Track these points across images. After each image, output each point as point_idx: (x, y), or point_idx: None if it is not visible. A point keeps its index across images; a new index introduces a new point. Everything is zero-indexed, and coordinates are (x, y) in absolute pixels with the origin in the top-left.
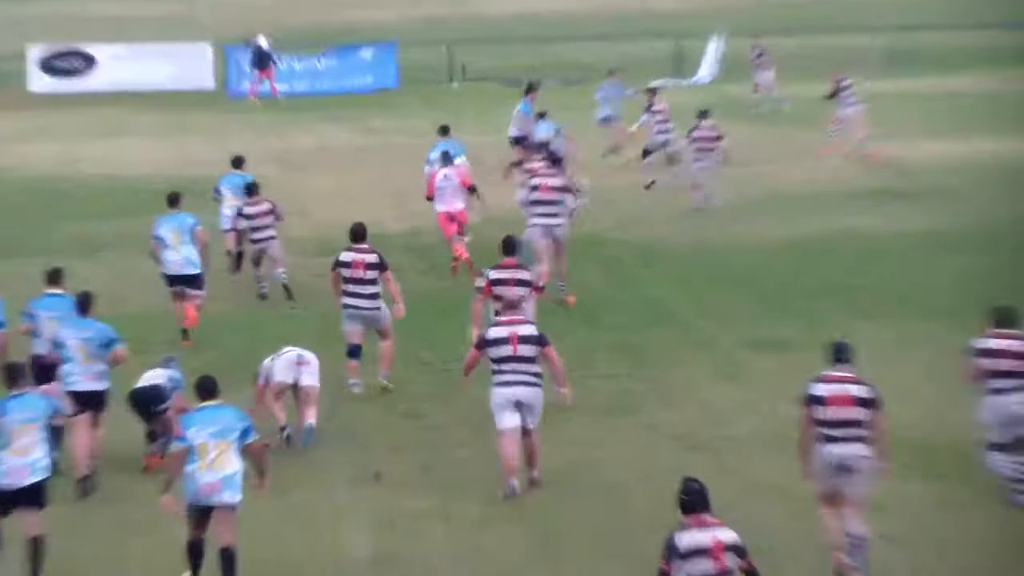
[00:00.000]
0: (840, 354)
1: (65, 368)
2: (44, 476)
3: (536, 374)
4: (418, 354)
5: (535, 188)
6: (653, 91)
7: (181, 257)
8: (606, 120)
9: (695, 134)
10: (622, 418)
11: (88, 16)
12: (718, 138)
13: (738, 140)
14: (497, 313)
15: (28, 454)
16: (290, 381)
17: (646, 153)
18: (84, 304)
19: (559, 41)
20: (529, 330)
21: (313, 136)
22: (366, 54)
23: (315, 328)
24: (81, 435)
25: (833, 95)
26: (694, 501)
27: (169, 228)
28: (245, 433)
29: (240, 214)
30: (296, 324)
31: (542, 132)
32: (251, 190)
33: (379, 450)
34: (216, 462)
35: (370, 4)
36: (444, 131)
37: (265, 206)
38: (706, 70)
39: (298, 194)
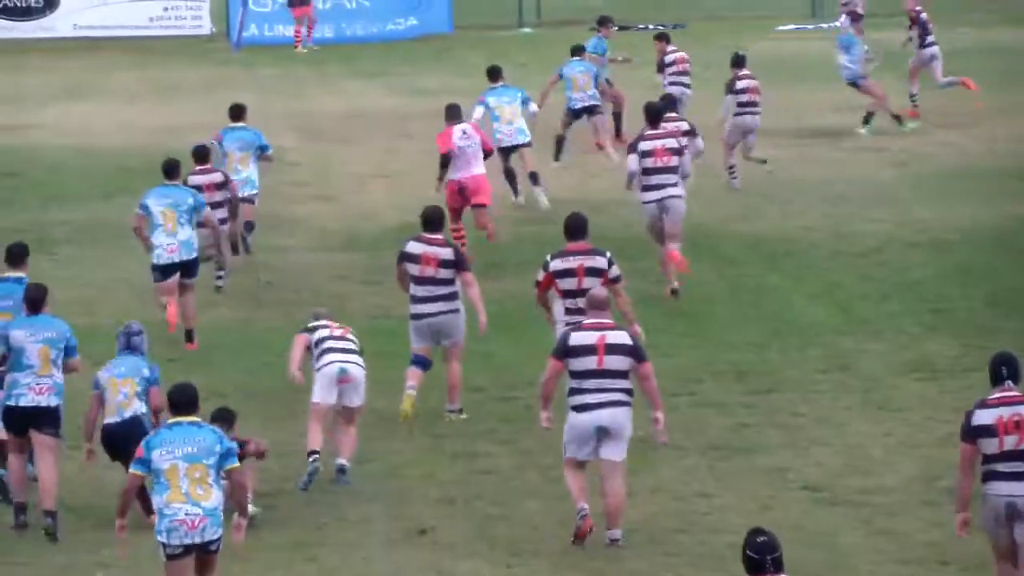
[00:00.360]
0: (1006, 371)
1: (13, 377)
2: None
3: (626, 391)
4: (470, 379)
5: (646, 154)
6: (664, 38)
7: (177, 241)
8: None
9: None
10: (738, 460)
11: None
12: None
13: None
14: (568, 313)
15: None
16: (331, 402)
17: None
18: (37, 299)
19: None
20: (620, 337)
21: (342, 97)
22: None
23: None
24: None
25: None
26: (762, 561)
27: (162, 204)
28: (225, 458)
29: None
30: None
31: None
32: (202, 156)
33: (426, 501)
34: (193, 491)
35: None
36: (494, 75)
37: (217, 176)
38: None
39: (322, 172)
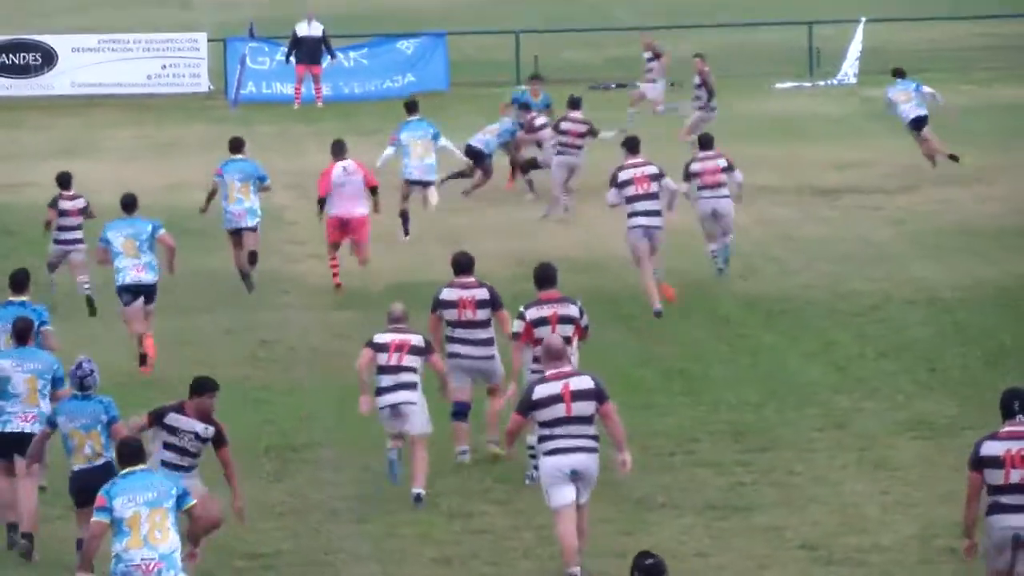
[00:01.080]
0: (1018, 405)
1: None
2: None
3: (594, 437)
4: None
5: (627, 183)
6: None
7: (142, 263)
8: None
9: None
10: (735, 519)
11: None
12: (587, 133)
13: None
14: (536, 361)
15: None
16: (394, 431)
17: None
18: (23, 331)
19: (660, 29)
20: (584, 383)
21: None
22: (406, 47)
23: (332, 406)
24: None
25: None
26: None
27: (122, 234)
28: (181, 499)
29: (54, 203)
30: (311, 399)
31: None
32: (66, 182)
33: (422, 561)
34: (151, 536)
35: None
36: (411, 108)
37: (80, 203)
38: (850, 67)
39: (320, 231)
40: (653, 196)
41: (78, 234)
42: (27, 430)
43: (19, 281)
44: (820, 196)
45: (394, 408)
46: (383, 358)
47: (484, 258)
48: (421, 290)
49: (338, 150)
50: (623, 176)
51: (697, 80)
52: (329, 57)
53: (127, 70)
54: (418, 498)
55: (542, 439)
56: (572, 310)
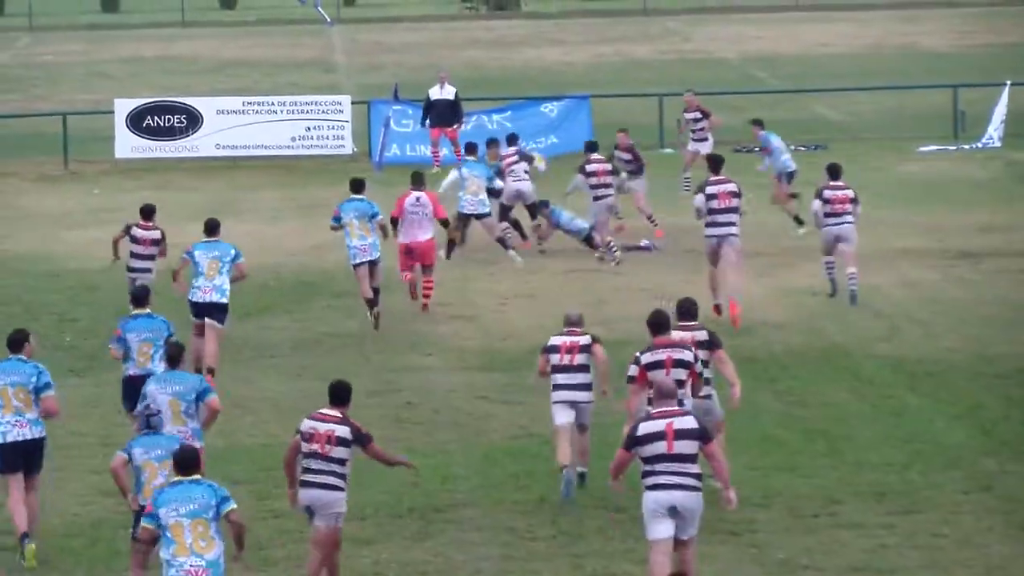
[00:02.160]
0: None
1: None
2: None
3: (695, 475)
4: (610, 497)
5: (712, 196)
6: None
7: (212, 285)
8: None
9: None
10: None
11: (195, 58)
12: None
13: None
14: (649, 403)
15: None
16: (569, 422)
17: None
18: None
19: (805, 93)
20: (687, 423)
21: None
22: (550, 109)
23: (475, 467)
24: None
25: None
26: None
27: (207, 255)
28: (222, 504)
29: (126, 230)
30: (454, 460)
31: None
32: (148, 213)
33: None
34: (196, 545)
35: (553, 42)
36: (471, 150)
37: (155, 234)
38: (995, 129)
39: (462, 292)
40: (732, 210)
41: (147, 264)
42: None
43: (140, 297)
44: (964, 259)
45: (573, 404)
46: (556, 358)
47: (632, 320)
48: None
49: (416, 181)
50: (710, 190)
51: (697, 115)
52: (457, 123)
53: (271, 132)
54: (582, 477)
55: (644, 474)
56: (687, 355)
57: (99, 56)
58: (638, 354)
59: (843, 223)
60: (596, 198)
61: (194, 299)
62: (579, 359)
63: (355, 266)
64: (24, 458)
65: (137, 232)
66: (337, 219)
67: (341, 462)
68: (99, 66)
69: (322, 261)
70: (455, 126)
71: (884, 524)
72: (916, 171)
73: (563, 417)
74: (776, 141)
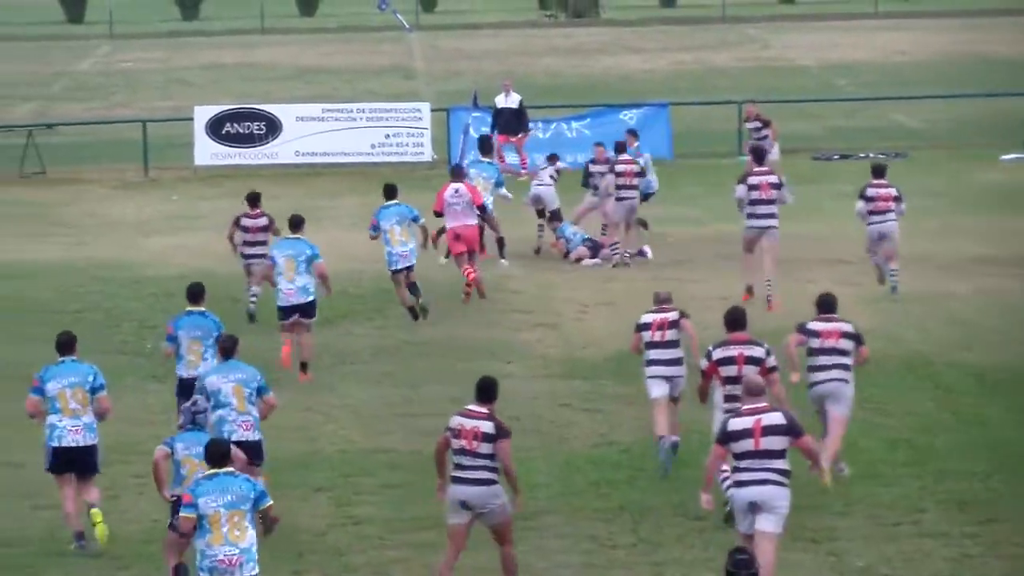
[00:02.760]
0: None
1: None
2: None
3: (780, 471)
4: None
5: (755, 187)
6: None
7: (295, 287)
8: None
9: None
10: None
11: (275, 65)
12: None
13: None
14: (727, 400)
15: None
16: (665, 394)
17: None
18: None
19: (884, 101)
20: (775, 419)
21: None
22: (629, 117)
23: (557, 474)
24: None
25: None
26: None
27: (283, 254)
28: (259, 500)
29: (236, 222)
30: (537, 468)
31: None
32: (254, 200)
33: None
34: (232, 534)
35: (632, 50)
36: (484, 149)
37: (262, 221)
38: None
39: (544, 300)
40: (772, 202)
41: (261, 249)
42: (250, 438)
43: (195, 293)
44: None
45: (667, 378)
46: (647, 335)
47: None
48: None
49: (456, 173)
50: (752, 181)
51: (757, 125)
52: (523, 131)
53: (350, 139)
54: (674, 447)
55: (733, 470)
56: (758, 351)
57: (179, 63)
58: (711, 347)
59: (886, 220)
60: (619, 199)
61: (280, 304)
62: (670, 335)
63: (394, 272)
64: (76, 463)
65: (246, 221)
66: (375, 227)
67: (490, 457)
68: (179, 73)
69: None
70: (520, 135)
71: (967, 533)
72: (997, 180)
73: (658, 390)
74: (646, 158)
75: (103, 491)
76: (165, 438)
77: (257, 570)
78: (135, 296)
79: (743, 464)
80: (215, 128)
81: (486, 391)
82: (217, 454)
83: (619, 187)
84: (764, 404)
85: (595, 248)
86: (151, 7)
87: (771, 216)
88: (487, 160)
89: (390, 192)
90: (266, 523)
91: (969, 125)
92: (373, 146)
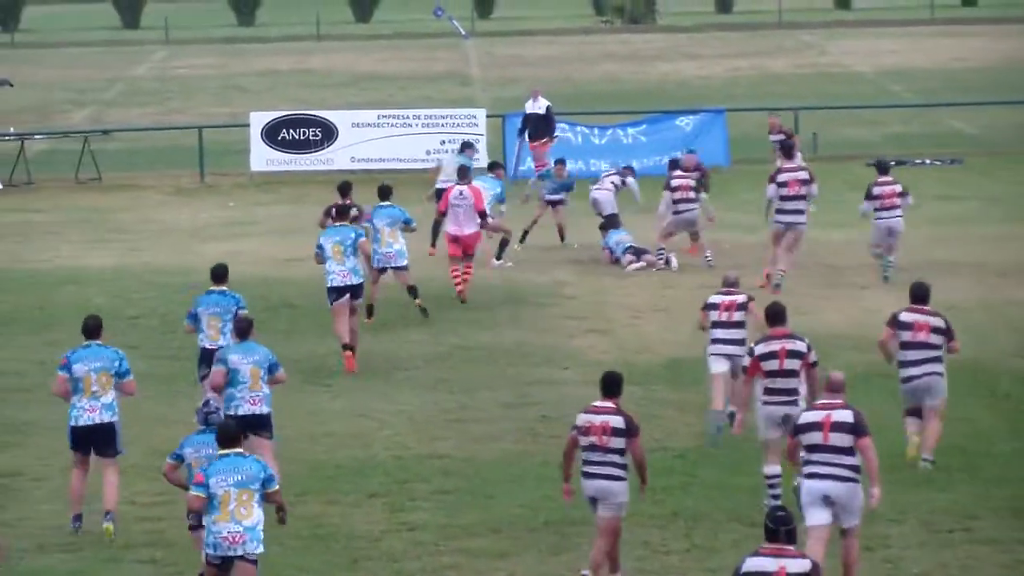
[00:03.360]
0: None
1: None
2: None
3: (851, 467)
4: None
5: (784, 184)
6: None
7: (346, 268)
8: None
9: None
10: None
11: (330, 72)
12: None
13: None
14: (766, 392)
15: None
16: (724, 371)
17: None
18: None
19: (941, 107)
20: (844, 416)
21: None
22: (686, 123)
23: None
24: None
25: None
26: (775, 530)
27: (331, 240)
28: (267, 482)
29: (327, 212)
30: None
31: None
32: (345, 190)
33: None
34: (237, 512)
35: (689, 56)
36: (493, 168)
37: (354, 211)
38: None
39: (598, 305)
40: (800, 198)
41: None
42: (257, 411)
43: (219, 274)
44: None
45: (728, 356)
46: (715, 315)
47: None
48: (695, 365)
49: (462, 174)
50: (781, 178)
51: (781, 137)
52: (549, 137)
53: (406, 145)
54: (731, 416)
55: (804, 463)
56: (800, 346)
57: (234, 69)
58: (753, 344)
59: (893, 216)
60: (676, 212)
61: (332, 284)
62: (736, 316)
63: (379, 271)
64: (93, 441)
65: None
66: (369, 221)
67: (619, 452)
68: (234, 79)
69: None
70: (545, 140)
71: (1021, 540)
72: None
73: (719, 367)
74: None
75: (158, 494)
76: (173, 451)
77: (261, 548)
78: (190, 302)
79: (815, 457)
80: (271, 134)
81: (612, 385)
82: (226, 437)
83: (676, 202)
84: (839, 401)
85: (638, 253)
86: (207, 13)
87: (799, 212)
88: (491, 175)
89: (384, 193)
90: (276, 509)
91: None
92: (429, 152)
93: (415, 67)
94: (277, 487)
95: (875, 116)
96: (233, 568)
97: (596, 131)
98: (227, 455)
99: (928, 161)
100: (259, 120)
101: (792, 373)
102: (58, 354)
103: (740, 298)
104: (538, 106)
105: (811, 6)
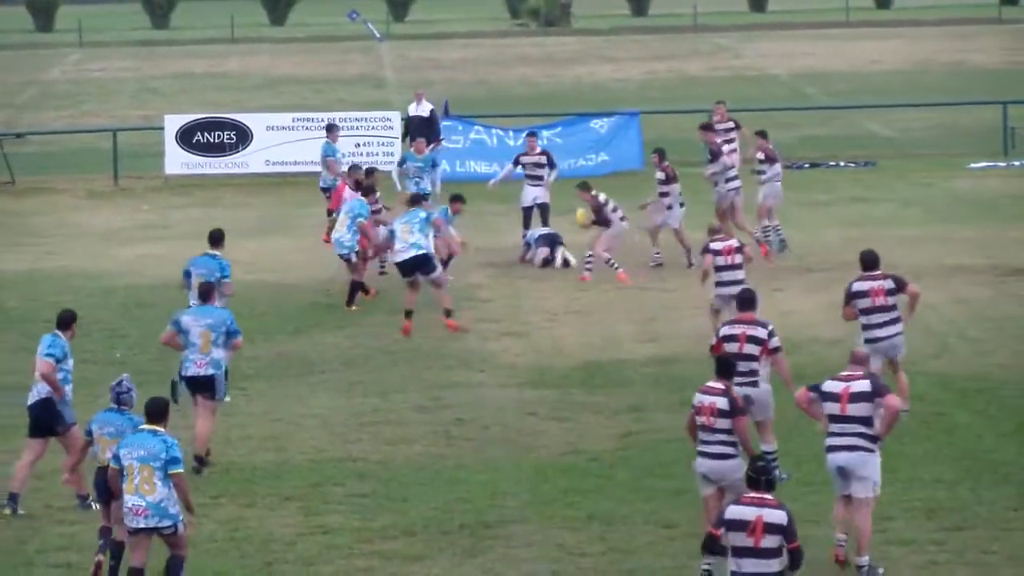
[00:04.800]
0: None
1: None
2: None
3: (867, 437)
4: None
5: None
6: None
7: (408, 243)
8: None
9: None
10: None
11: (245, 74)
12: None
13: None
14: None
15: None
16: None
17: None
18: (206, 292)
19: (854, 109)
20: (862, 386)
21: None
22: (600, 126)
23: (525, 484)
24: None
25: None
26: (756, 479)
27: (400, 221)
28: (170, 463)
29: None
30: (504, 477)
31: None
32: (370, 173)
33: None
34: (141, 486)
35: (604, 59)
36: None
37: (375, 196)
38: None
39: (513, 309)
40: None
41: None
42: (201, 374)
43: (216, 238)
44: (1015, 276)
45: (731, 296)
46: (720, 260)
47: (682, 337)
48: (610, 368)
49: (353, 172)
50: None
51: (761, 155)
52: (435, 140)
53: (321, 148)
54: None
55: (827, 435)
56: (761, 332)
57: (149, 72)
58: (720, 325)
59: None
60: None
61: (396, 260)
62: (736, 259)
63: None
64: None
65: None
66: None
67: (727, 431)
68: (149, 82)
69: (372, 278)
70: (432, 145)
71: (934, 540)
72: (966, 188)
73: (722, 303)
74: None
75: (74, 498)
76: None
77: (166, 523)
78: (105, 305)
79: (834, 428)
80: (185, 137)
81: (726, 367)
82: (153, 410)
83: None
84: (859, 373)
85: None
86: (121, 16)
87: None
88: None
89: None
90: (178, 491)
91: (940, 133)
92: (344, 155)
93: (330, 70)
94: (180, 469)
95: (790, 118)
96: (144, 537)
97: (511, 133)
98: (142, 431)
99: (843, 163)
100: (173, 123)
101: (751, 357)
102: None
103: (734, 242)
104: (422, 109)
105: (726, 9)
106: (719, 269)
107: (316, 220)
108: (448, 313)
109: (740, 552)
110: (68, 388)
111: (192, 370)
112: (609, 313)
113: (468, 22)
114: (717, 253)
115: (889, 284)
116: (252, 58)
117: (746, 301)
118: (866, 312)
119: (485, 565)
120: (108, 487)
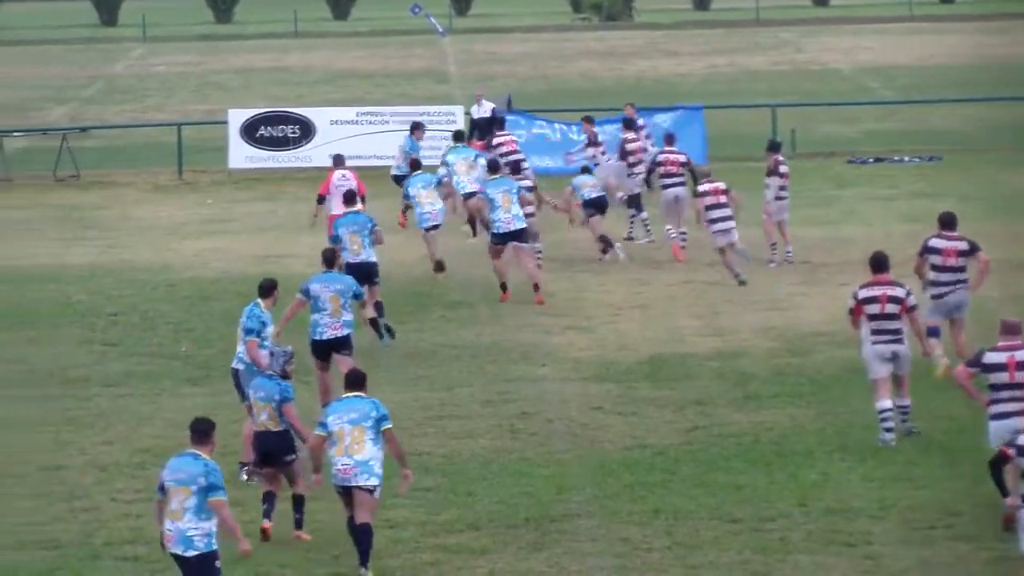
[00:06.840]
0: None
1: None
2: None
3: None
4: (724, 508)
5: (704, 194)
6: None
7: (511, 215)
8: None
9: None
10: None
11: (308, 69)
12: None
13: None
14: (873, 333)
15: None
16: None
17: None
18: (330, 258)
19: (917, 104)
20: None
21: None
22: (663, 120)
23: (589, 477)
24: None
25: None
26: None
27: (499, 190)
28: (381, 420)
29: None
30: (569, 471)
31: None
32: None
33: None
34: (351, 447)
35: (666, 53)
36: (458, 137)
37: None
38: None
39: (577, 303)
40: (725, 207)
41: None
42: (339, 335)
43: (349, 197)
44: None
45: (727, 231)
46: (709, 200)
47: (744, 331)
48: (674, 362)
49: (338, 161)
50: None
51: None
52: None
53: (384, 142)
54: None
55: (991, 402)
56: (899, 292)
57: (212, 67)
58: (857, 288)
59: (678, 185)
60: (665, 187)
61: (498, 231)
62: (723, 199)
63: (426, 230)
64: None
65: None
66: (407, 195)
67: (898, 317)
68: (212, 77)
69: (429, 269)
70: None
71: (1002, 537)
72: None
73: (724, 239)
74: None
75: (139, 491)
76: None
77: (374, 481)
78: (170, 299)
79: (1002, 395)
80: (249, 131)
81: (880, 263)
82: (352, 380)
83: (665, 176)
84: (1019, 342)
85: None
86: (184, 10)
87: (729, 218)
88: (462, 144)
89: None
90: (391, 447)
91: (1004, 129)
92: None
93: (392, 64)
94: (390, 425)
95: (852, 113)
96: (352, 496)
97: (574, 128)
98: (347, 397)
99: (907, 158)
100: (238, 117)
101: (893, 316)
102: (38, 353)
103: (721, 184)
104: (483, 110)
105: (789, 3)
106: (709, 208)
107: (379, 214)
108: (536, 287)
109: None
110: (264, 352)
111: (328, 333)
112: (672, 307)
113: (530, 16)
114: (704, 194)
115: (963, 245)
116: (314, 53)
117: (880, 262)
118: (936, 269)
119: (550, 559)
120: (266, 451)
